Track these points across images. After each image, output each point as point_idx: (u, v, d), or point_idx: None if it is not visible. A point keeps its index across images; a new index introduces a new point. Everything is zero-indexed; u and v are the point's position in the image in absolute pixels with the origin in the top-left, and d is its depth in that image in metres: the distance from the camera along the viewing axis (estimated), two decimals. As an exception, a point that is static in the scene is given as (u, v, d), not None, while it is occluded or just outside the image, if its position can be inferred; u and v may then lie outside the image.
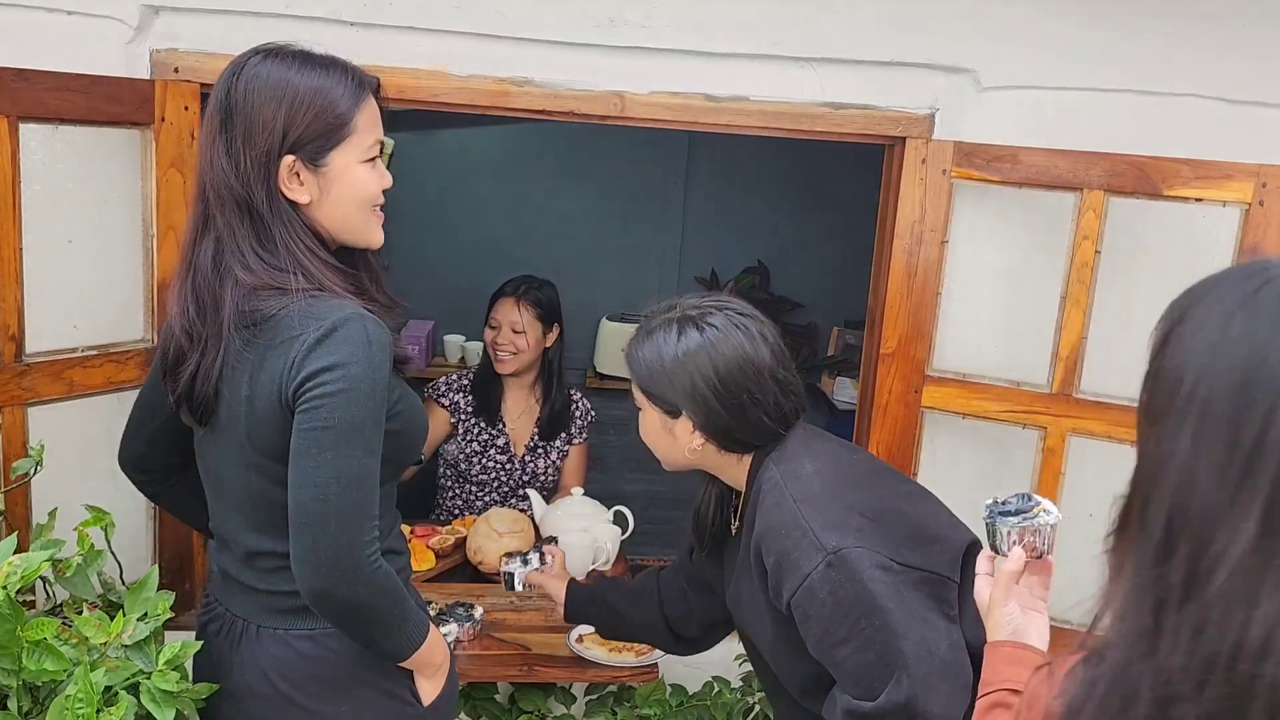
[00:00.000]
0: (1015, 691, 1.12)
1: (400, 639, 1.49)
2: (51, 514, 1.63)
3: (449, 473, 2.96)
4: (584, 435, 3.00)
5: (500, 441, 2.91)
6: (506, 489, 2.92)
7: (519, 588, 2.15)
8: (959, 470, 2.25)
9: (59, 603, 1.60)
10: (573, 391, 3.03)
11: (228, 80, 1.43)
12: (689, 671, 2.32)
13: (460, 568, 2.61)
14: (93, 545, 1.57)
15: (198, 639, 1.54)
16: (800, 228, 4.44)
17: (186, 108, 1.95)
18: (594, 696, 2.29)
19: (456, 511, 2.93)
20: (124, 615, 1.43)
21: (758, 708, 2.29)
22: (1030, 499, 1.23)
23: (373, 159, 1.49)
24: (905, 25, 2.11)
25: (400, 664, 1.55)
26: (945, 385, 2.21)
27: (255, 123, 1.40)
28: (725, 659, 2.35)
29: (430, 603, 2.10)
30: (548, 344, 2.94)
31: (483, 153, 4.41)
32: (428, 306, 4.27)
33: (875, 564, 1.42)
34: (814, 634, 1.45)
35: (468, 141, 4.37)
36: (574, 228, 4.47)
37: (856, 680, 1.41)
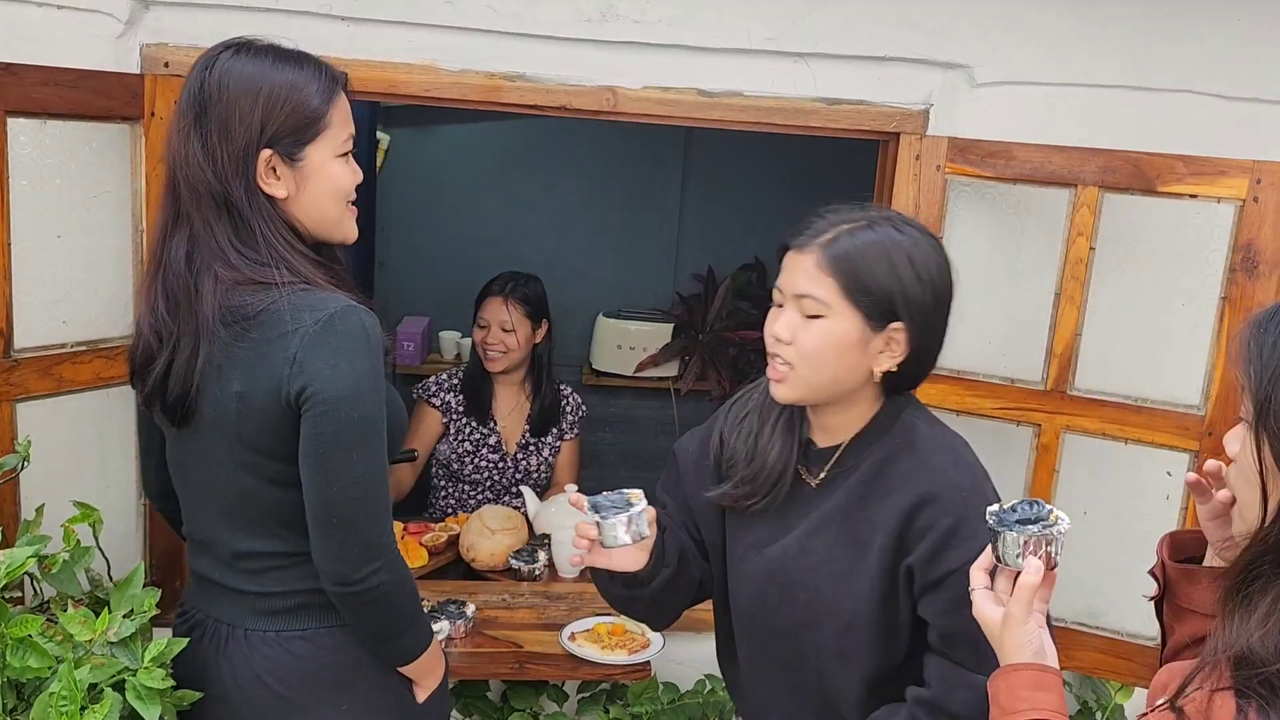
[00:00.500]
0: None
1: (412, 637, 1.52)
2: (39, 510, 1.62)
3: (441, 472, 2.95)
4: (575, 430, 2.99)
5: (492, 440, 2.90)
6: (500, 487, 2.91)
7: (625, 539, 1.43)
8: (953, 467, 2.24)
9: (46, 599, 1.59)
10: (562, 386, 3.02)
11: (200, 75, 1.42)
12: (681, 669, 2.32)
13: (453, 565, 2.60)
14: (79, 542, 1.56)
15: None
16: (797, 224, 4.42)
17: (176, 102, 1.93)
18: (586, 694, 2.29)
19: (450, 511, 2.92)
20: (109, 612, 1.42)
21: (751, 705, 2.29)
22: (1040, 506, 1.16)
23: (346, 154, 1.49)
24: (900, 20, 2.10)
25: (403, 668, 1.55)
26: (939, 382, 2.19)
27: (232, 117, 1.39)
28: (718, 657, 2.34)
29: (422, 600, 2.10)
30: (537, 340, 2.93)
31: (479, 149, 4.40)
32: (423, 303, 4.27)
33: None
34: (955, 598, 1.31)
35: (464, 138, 4.36)
36: (570, 224, 4.47)
37: (977, 645, 1.27)
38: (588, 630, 2.20)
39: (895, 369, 1.38)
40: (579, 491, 2.64)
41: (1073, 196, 2.05)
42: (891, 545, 1.38)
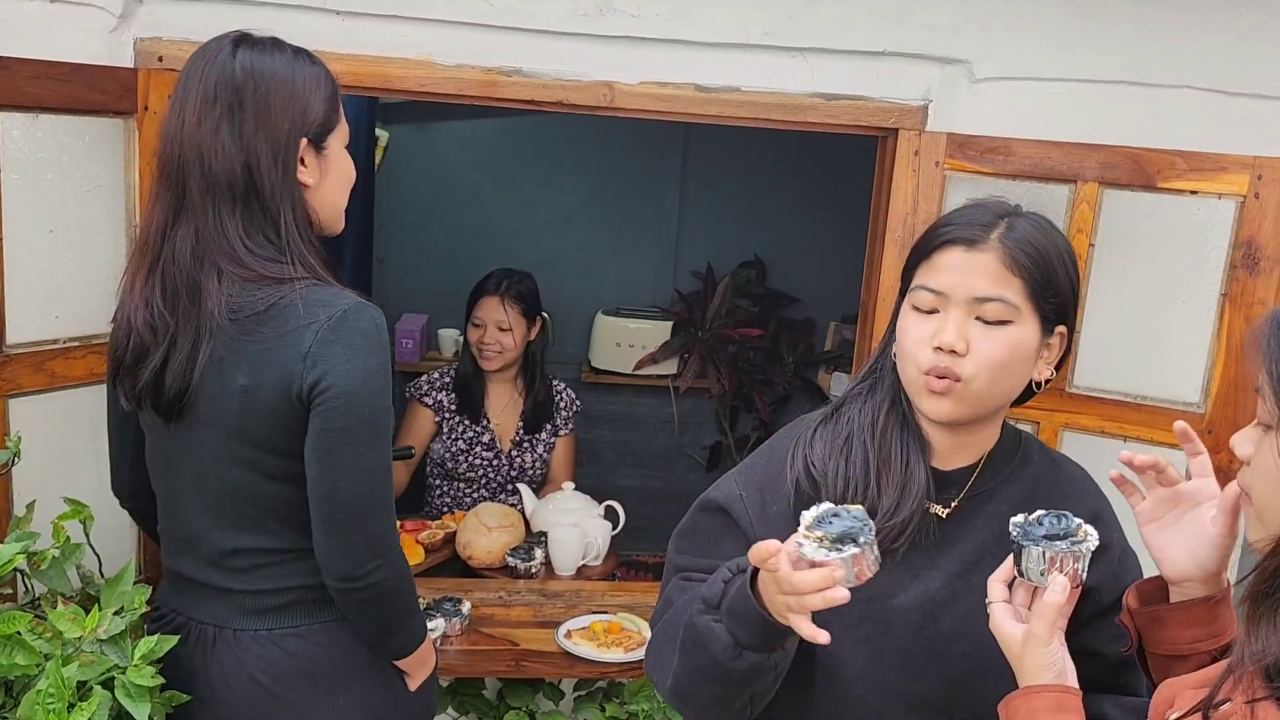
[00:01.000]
0: None
1: (410, 632, 1.53)
2: (29, 506, 1.61)
3: (436, 471, 2.94)
4: (570, 426, 2.98)
5: (486, 438, 2.88)
6: (495, 484, 2.90)
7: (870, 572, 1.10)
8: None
9: (37, 596, 1.58)
10: (555, 381, 3.00)
11: (224, 65, 1.42)
12: (678, 667, 2.30)
13: (449, 562, 2.59)
14: (69, 539, 1.55)
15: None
16: (797, 221, 4.42)
17: (170, 97, 1.93)
18: (583, 692, 2.28)
19: (446, 509, 2.91)
20: (99, 609, 1.41)
21: (748, 704, 2.27)
22: (1068, 520, 1.11)
23: (346, 145, 1.54)
24: (898, 15, 2.09)
25: (398, 661, 1.55)
26: (938, 379, 2.19)
27: (273, 107, 1.42)
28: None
29: (419, 597, 2.09)
30: (531, 338, 2.91)
31: (477, 146, 4.39)
32: (422, 300, 4.26)
33: None
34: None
35: (462, 135, 4.34)
36: (569, 221, 4.45)
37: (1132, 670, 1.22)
38: (584, 628, 2.19)
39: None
40: (576, 490, 2.69)
41: (1072, 192, 2.04)
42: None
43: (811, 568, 1.04)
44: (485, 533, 2.52)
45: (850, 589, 1.04)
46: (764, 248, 4.46)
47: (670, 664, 1.22)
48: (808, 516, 1.08)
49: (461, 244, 4.32)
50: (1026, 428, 2.12)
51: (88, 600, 1.59)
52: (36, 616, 1.42)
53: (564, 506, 2.64)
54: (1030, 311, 1.21)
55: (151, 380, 1.44)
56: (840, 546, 1.04)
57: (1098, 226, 2.04)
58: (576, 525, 2.55)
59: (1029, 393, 1.29)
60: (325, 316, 1.37)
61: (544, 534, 2.55)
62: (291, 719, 1.50)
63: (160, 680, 1.41)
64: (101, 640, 1.40)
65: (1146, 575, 1.23)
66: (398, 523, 2.48)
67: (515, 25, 2.02)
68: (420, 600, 2.13)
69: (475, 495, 2.89)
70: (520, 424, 2.92)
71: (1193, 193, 1.98)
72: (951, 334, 1.19)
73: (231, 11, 1.93)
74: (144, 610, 1.46)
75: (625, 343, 4.24)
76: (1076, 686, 1.07)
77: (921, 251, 1.25)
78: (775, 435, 1.39)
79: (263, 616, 1.49)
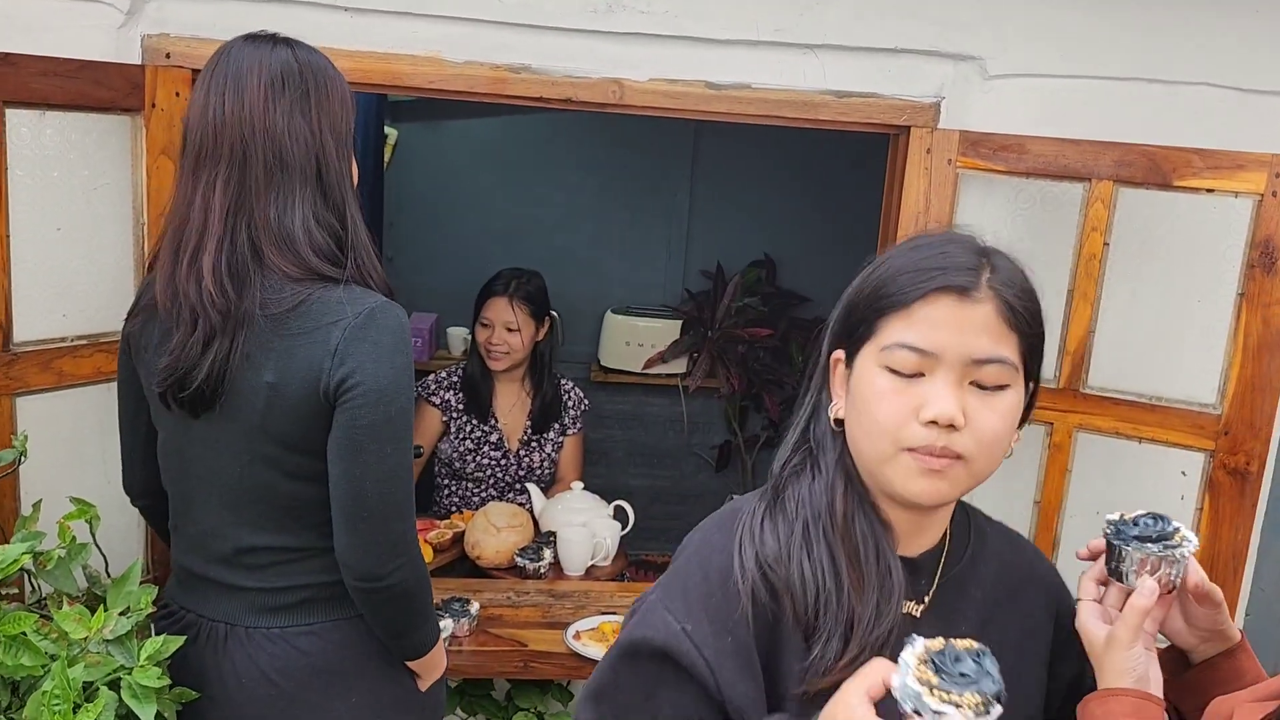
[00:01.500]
0: None
1: (425, 633, 1.53)
2: (35, 506, 1.60)
3: (444, 470, 2.92)
4: (578, 425, 2.96)
5: (494, 437, 2.87)
6: (504, 484, 2.89)
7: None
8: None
9: (43, 596, 1.57)
10: (563, 381, 2.99)
11: (283, 56, 1.43)
12: (688, 669, 2.29)
13: (458, 562, 2.58)
14: (74, 538, 1.54)
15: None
16: (808, 220, 4.39)
17: (178, 93, 1.92)
18: (591, 694, 2.26)
19: (454, 508, 2.90)
20: (105, 610, 1.40)
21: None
22: (1165, 522, 1.06)
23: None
24: (910, 12, 2.07)
25: (411, 663, 1.54)
26: (950, 379, 2.17)
27: (332, 98, 1.44)
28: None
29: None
30: (540, 338, 2.90)
31: (486, 144, 4.38)
32: (430, 299, 4.25)
33: None
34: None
35: (471, 133, 4.33)
36: (578, 220, 4.44)
37: None
38: (593, 629, 2.18)
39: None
40: (585, 490, 2.67)
41: (1087, 191, 2.02)
42: (1044, 648, 1.15)
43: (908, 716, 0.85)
44: (494, 532, 2.51)
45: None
46: (774, 247, 4.44)
47: None
48: (919, 646, 0.89)
49: (470, 242, 4.31)
50: (1039, 429, 2.10)
51: (94, 600, 1.58)
52: (42, 617, 1.41)
53: (573, 506, 2.62)
54: (1021, 371, 1.02)
55: (184, 370, 1.42)
56: (957, 703, 0.84)
57: (1112, 225, 2.01)
58: (585, 525, 2.54)
59: None
60: (353, 314, 1.38)
61: (553, 534, 2.53)
62: (303, 717, 1.49)
63: (166, 681, 1.40)
64: (108, 641, 1.39)
65: None
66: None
67: (525, 22, 2.01)
68: (428, 600, 2.14)
69: (483, 495, 2.88)
70: (528, 423, 2.90)
71: (1209, 191, 1.96)
72: (950, 404, 0.98)
73: (240, 8, 1.92)
74: (150, 610, 1.45)
75: (634, 342, 4.23)
76: (1159, 695, 1.01)
77: (894, 299, 1.01)
78: (698, 534, 1.11)
79: (275, 614, 1.48)
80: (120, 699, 1.36)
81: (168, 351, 1.43)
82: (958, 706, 0.83)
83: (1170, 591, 1.04)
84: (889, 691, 0.88)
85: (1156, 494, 2.06)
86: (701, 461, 4.51)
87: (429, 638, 1.55)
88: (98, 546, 1.63)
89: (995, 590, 1.12)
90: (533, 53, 2.03)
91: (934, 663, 0.87)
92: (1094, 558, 1.11)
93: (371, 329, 1.38)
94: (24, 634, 1.32)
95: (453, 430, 2.87)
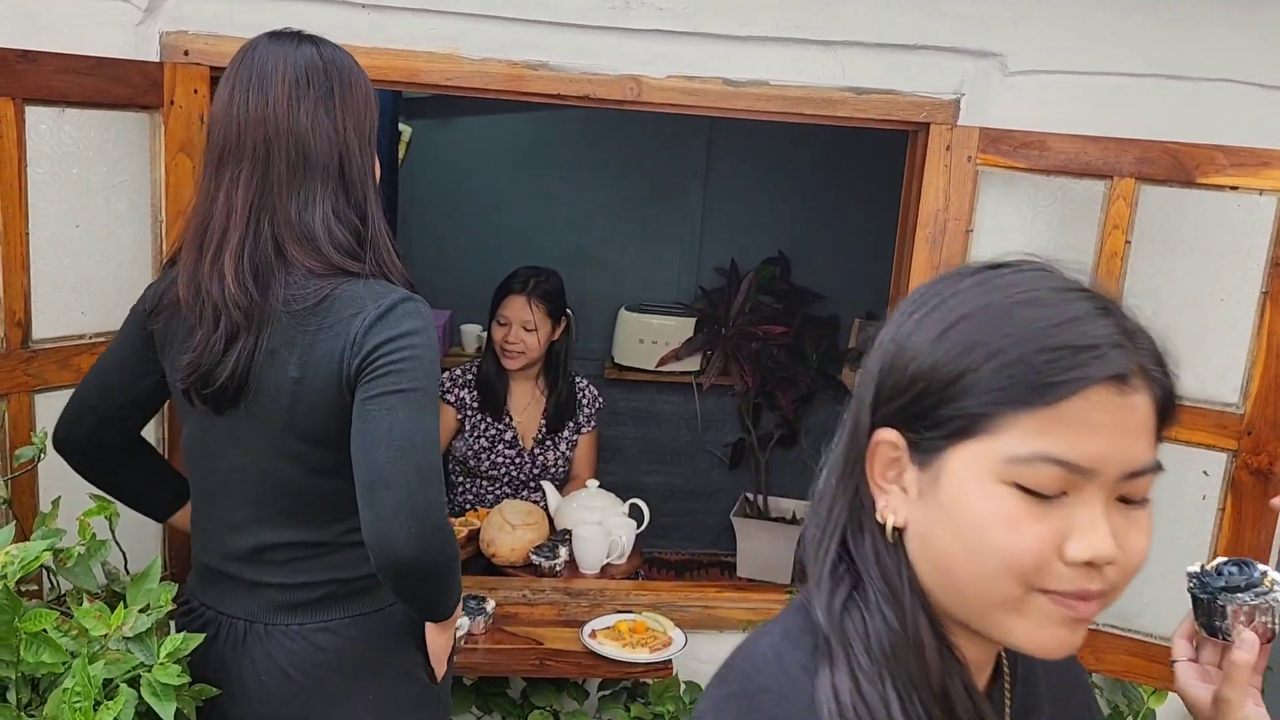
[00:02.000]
0: None
1: (454, 596, 1.48)
2: (55, 503, 1.60)
3: (458, 468, 2.92)
4: (593, 423, 2.95)
5: (508, 436, 2.87)
6: (518, 482, 2.89)
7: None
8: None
9: (63, 593, 1.57)
10: (578, 379, 2.97)
11: (308, 54, 1.43)
12: (704, 668, 2.28)
13: (473, 560, 2.58)
14: (94, 535, 1.54)
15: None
16: (822, 217, 4.38)
17: (196, 90, 1.92)
18: (607, 692, 2.26)
19: (468, 506, 2.89)
20: (125, 607, 1.40)
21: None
22: (1250, 567, 0.98)
23: None
24: (930, 7, 2.05)
25: (434, 622, 1.52)
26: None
27: (357, 97, 1.44)
28: (741, 655, 2.30)
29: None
30: (555, 338, 2.88)
31: (500, 141, 4.37)
32: (444, 296, 4.24)
33: None
34: None
35: (486, 130, 4.33)
36: (592, 217, 4.43)
37: None
38: (609, 627, 2.17)
39: None
40: (600, 488, 2.67)
41: (1108, 188, 2.00)
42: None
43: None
44: (509, 530, 2.50)
45: None
46: (788, 244, 4.43)
47: None
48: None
49: (484, 239, 4.31)
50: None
51: (113, 597, 1.58)
52: (62, 614, 1.41)
53: (588, 504, 2.62)
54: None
55: (209, 366, 1.41)
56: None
57: (1134, 223, 2.00)
58: (601, 524, 2.53)
59: None
60: (374, 306, 1.37)
61: (568, 532, 2.53)
62: (322, 712, 1.49)
63: (186, 679, 1.40)
64: (127, 638, 1.39)
65: None
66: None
67: (542, 18, 2.00)
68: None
69: (498, 493, 2.88)
70: (543, 422, 2.90)
71: (1233, 188, 1.94)
72: (1109, 539, 0.75)
73: (258, 5, 1.92)
74: (170, 608, 1.45)
75: (648, 339, 4.22)
76: None
77: (1028, 389, 0.74)
78: (752, 679, 0.83)
79: (294, 611, 1.48)
80: (140, 696, 1.36)
81: (191, 348, 1.43)
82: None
83: (1270, 640, 0.96)
84: None
85: (1178, 494, 2.04)
86: (715, 459, 4.50)
87: (453, 602, 1.50)
88: (117, 543, 1.63)
89: (1054, 707, 0.97)
90: (550, 49, 2.02)
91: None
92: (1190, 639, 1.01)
93: (391, 317, 1.37)
94: (44, 631, 1.32)
95: (467, 428, 2.87)
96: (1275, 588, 0.96)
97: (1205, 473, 2.02)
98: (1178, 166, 1.96)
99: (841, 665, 0.80)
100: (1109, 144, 1.99)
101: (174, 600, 1.47)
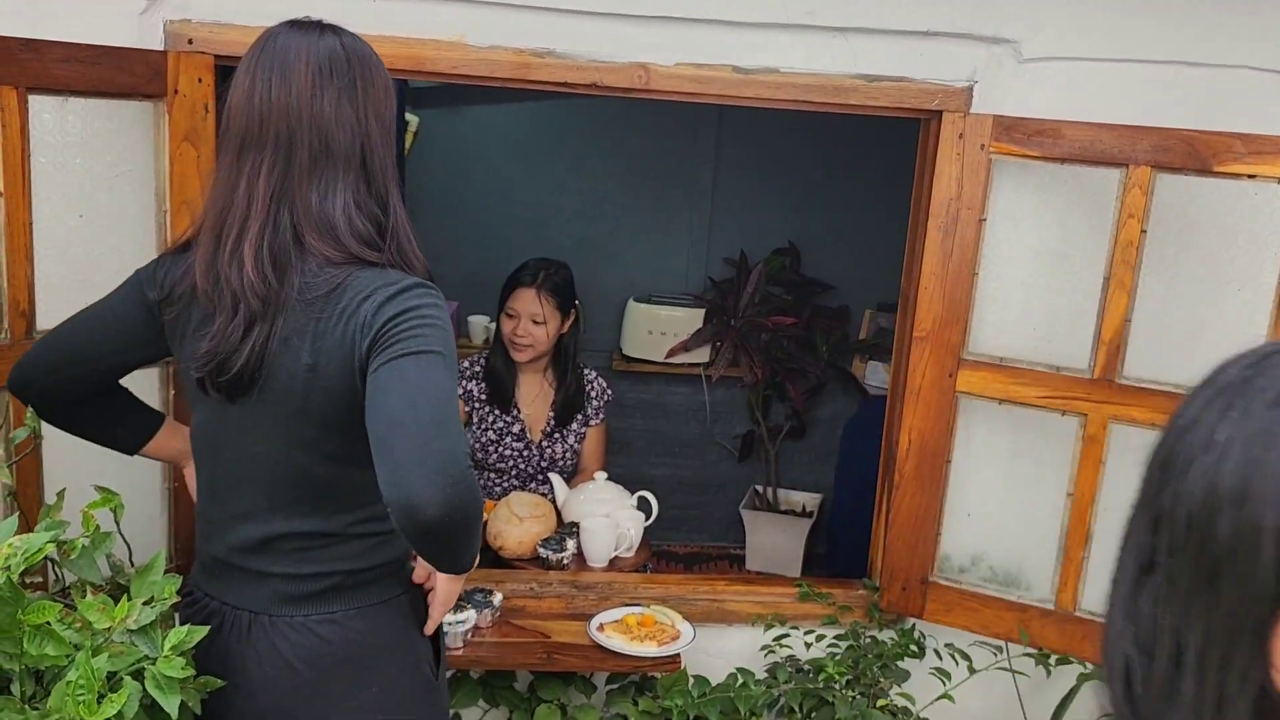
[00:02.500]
0: None
1: (475, 548, 1.42)
2: (59, 494, 1.59)
3: (466, 460, 2.91)
4: (601, 416, 2.94)
5: (516, 428, 2.85)
6: (526, 475, 2.87)
7: None
8: (995, 458, 2.17)
9: (67, 585, 1.56)
10: (586, 370, 2.95)
11: (331, 44, 1.41)
12: (712, 662, 2.27)
13: (480, 553, 2.56)
14: (99, 527, 1.53)
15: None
16: (833, 207, 4.35)
17: (200, 80, 1.91)
18: (615, 686, 2.25)
19: (477, 497, 2.88)
20: (129, 599, 1.39)
21: (783, 699, 2.24)
22: None
23: None
24: (943, -6, 2.03)
25: (453, 573, 1.49)
26: (981, 369, 2.13)
27: (378, 87, 1.43)
28: (749, 649, 2.29)
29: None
30: (564, 331, 2.86)
31: (508, 130, 4.35)
32: (452, 287, 4.21)
33: None
34: None
35: (493, 119, 4.31)
36: (600, 207, 4.41)
37: None
38: (616, 621, 2.16)
39: None
40: (608, 480, 2.65)
41: (1124, 177, 1.97)
42: None
43: None
44: (516, 523, 2.49)
45: None
46: (798, 234, 4.40)
47: None
48: None
49: (492, 230, 4.29)
50: (1073, 420, 2.06)
51: (118, 590, 1.57)
52: (66, 606, 1.40)
53: (596, 497, 2.60)
54: None
55: (225, 355, 1.40)
56: None
57: (1150, 212, 1.97)
58: (609, 516, 2.51)
59: None
60: (384, 291, 1.36)
61: (576, 525, 2.51)
62: (326, 704, 1.49)
63: (191, 671, 1.39)
64: (131, 631, 1.38)
65: None
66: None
67: (549, 6, 1.98)
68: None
69: (505, 485, 2.87)
70: (551, 415, 2.88)
71: (1250, 177, 1.91)
72: None
73: (262, -8, 1.90)
74: (174, 600, 1.44)
75: (657, 330, 4.20)
76: None
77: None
78: None
79: (299, 603, 1.48)
80: (144, 689, 1.35)
81: (208, 336, 1.41)
82: None
83: None
84: None
85: (1193, 487, 2.02)
86: (724, 451, 4.48)
87: (475, 552, 1.44)
88: (121, 535, 1.62)
89: None
90: (557, 37, 2.00)
91: None
92: None
93: (402, 296, 1.35)
94: (48, 623, 1.31)
95: (475, 421, 2.85)
96: None
97: (1221, 465, 2.00)
98: (1194, 154, 1.93)
99: None
100: (1124, 132, 1.96)
101: (178, 592, 1.46)
